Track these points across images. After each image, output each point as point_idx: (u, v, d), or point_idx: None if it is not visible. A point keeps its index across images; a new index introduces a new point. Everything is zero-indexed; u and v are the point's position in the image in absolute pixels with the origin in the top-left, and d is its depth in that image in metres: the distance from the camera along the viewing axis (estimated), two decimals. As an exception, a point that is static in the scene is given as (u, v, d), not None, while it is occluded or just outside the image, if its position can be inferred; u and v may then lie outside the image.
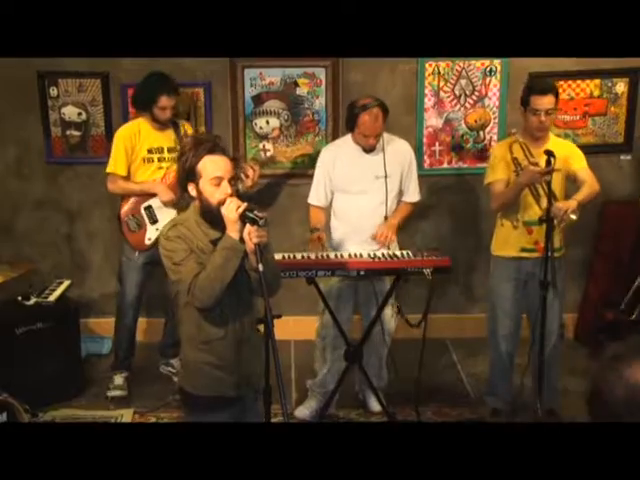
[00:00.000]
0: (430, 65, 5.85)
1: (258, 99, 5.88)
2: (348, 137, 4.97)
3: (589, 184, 4.73)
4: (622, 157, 6.03)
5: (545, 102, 4.62)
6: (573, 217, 4.47)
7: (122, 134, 5.19)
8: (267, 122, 5.93)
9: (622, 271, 5.88)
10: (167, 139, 5.22)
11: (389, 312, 5.10)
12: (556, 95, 4.68)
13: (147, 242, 5.20)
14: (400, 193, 5.05)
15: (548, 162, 4.43)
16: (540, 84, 4.90)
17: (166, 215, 5.08)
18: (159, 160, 5.21)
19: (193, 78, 5.76)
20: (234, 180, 3.45)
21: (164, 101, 5.05)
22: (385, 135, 4.95)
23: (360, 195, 4.96)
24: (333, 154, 5.02)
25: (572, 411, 5.12)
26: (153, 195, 5.18)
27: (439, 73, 5.88)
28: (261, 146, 5.95)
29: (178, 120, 5.31)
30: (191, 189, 3.39)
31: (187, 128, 5.34)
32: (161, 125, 5.19)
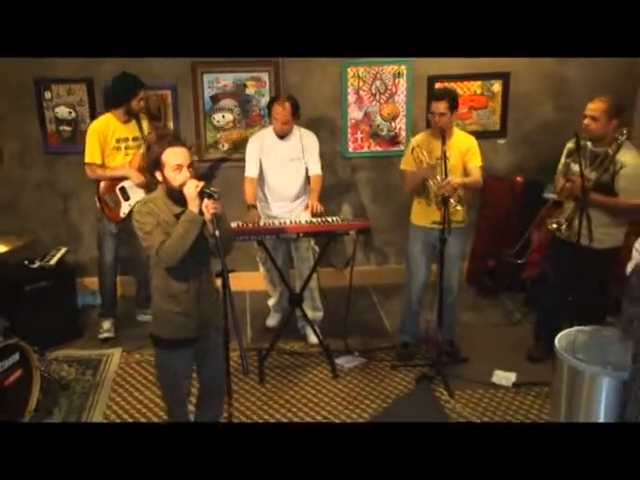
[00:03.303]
0: (352, 69, 5.82)
1: (215, 98, 5.81)
2: (270, 128, 5.06)
3: (476, 180, 4.78)
4: (498, 141, 6.08)
5: (439, 107, 4.62)
6: (460, 192, 4.53)
7: (95, 128, 5.07)
8: (223, 116, 5.86)
9: (499, 230, 5.94)
10: (131, 130, 5.12)
11: (310, 255, 5.19)
12: (450, 101, 4.62)
13: (122, 215, 5.12)
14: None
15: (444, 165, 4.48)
16: (436, 93, 4.93)
17: (136, 194, 5.06)
18: (126, 148, 5.12)
19: (161, 82, 5.63)
20: (192, 165, 3.43)
21: (141, 94, 5.04)
22: (298, 128, 5.04)
23: (279, 173, 5.06)
24: (259, 139, 5.11)
25: (465, 340, 5.20)
26: (125, 177, 5.10)
27: (359, 76, 5.85)
28: (218, 136, 5.88)
29: (139, 115, 5.22)
30: (157, 175, 3.41)
31: (146, 122, 5.27)
32: (125, 119, 5.10)
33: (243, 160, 5.12)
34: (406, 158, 4.86)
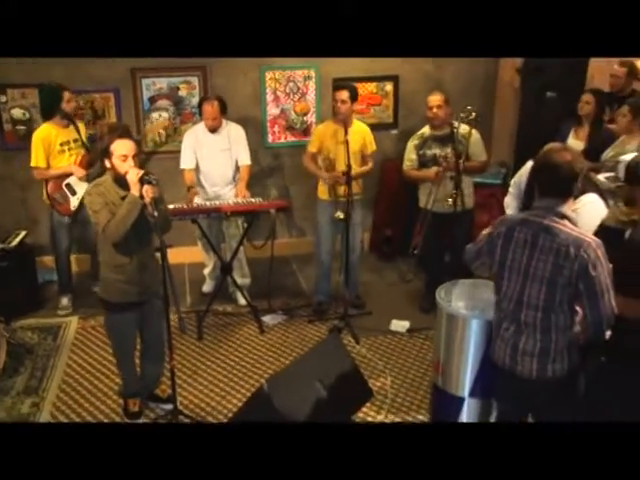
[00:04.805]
0: (269, 73, 5.79)
1: (152, 99, 5.68)
2: (202, 124, 5.00)
3: (368, 169, 4.93)
4: (392, 132, 6.13)
5: (342, 94, 4.65)
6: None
7: (38, 136, 4.85)
8: (160, 115, 5.73)
9: (394, 204, 6.03)
10: (71, 134, 4.93)
11: (239, 232, 5.16)
12: (351, 91, 4.67)
13: (72, 209, 4.96)
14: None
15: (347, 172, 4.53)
16: (339, 83, 4.94)
17: (82, 187, 4.83)
18: (69, 149, 4.93)
19: (105, 85, 5.47)
20: (137, 156, 3.43)
21: (67, 95, 4.81)
22: (227, 122, 4.99)
23: (212, 162, 5.00)
24: (193, 133, 5.04)
25: (368, 297, 5.30)
26: (69, 175, 4.91)
27: (275, 79, 5.83)
28: (156, 133, 5.75)
29: (75, 119, 5.01)
30: (106, 163, 3.40)
31: (81, 125, 5.07)
32: (65, 124, 4.89)
33: (179, 152, 5.06)
34: (312, 142, 4.91)
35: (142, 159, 4.93)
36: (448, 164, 4.61)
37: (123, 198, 3.35)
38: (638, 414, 2.57)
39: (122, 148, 3.34)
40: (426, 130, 4.79)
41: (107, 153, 3.36)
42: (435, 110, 4.64)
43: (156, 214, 3.26)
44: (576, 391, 2.85)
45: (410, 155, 4.85)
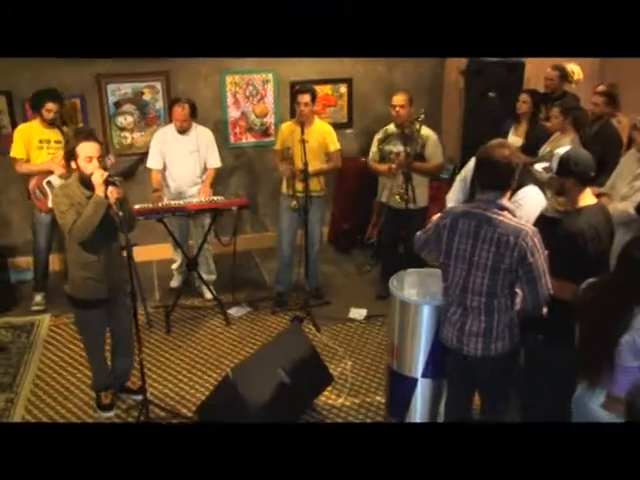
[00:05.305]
0: (229, 77, 5.75)
1: (118, 104, 5.59)
2: (172, 125, 4.92)
3: (335, 163, 4.89)
4: (347, 131, 6.11)
5: (304, 97, 4.65)
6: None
7: (20, 130, 4.87)
8: (125, 119, 5.64)
9: (351, 199, 6.03)
10: (53, 135, 4.85)
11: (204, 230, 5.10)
12: (312, 94, 4.67)
13: (49, 206, 4.81)
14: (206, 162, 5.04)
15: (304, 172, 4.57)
16: (302, 87, 4.89)
17: None
18: (48, 148, 4.85)
19: (71, 91, 5.33)
20: (102, 158, 3.41)
21: (49, 105, 4.75)
22: (196, 125, 4.94)
23: (180, 163, 4.92)
24: (162, 135, 4.96)
25: (328, 287, 5.31)
26: (50, 173, 4.81)
27: (235, 83, 5.78)
28: (122, 135, 5.67)
29: (61, 125, 4.94)
30: (72, 164, 3.36)
31: (66, 127, 5.00)
32: (48, 125, 4.82)
33: (145, 153, 5.00)
34: (278, 140, 4.91)
35: (111, 162, 4.85)
36: (399, 162, 4.64)
37: (89, 198, 3.31)
38: (569, 383, 2.67)
39: (87, 150, 3.30)
40: (391, 127, 4.81)
41: (73, 155, 3.32)
42: (398, 109, 4.66)
43: (121, 214, 3.24)
44: (516, 366, 2.93)
45: (373, 148, 4.91)
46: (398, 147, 4.70)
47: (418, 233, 3.03)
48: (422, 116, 4.60)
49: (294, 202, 4.74)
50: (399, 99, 4.68)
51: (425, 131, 4.68)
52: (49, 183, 4.83)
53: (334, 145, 4.86)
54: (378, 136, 4.88)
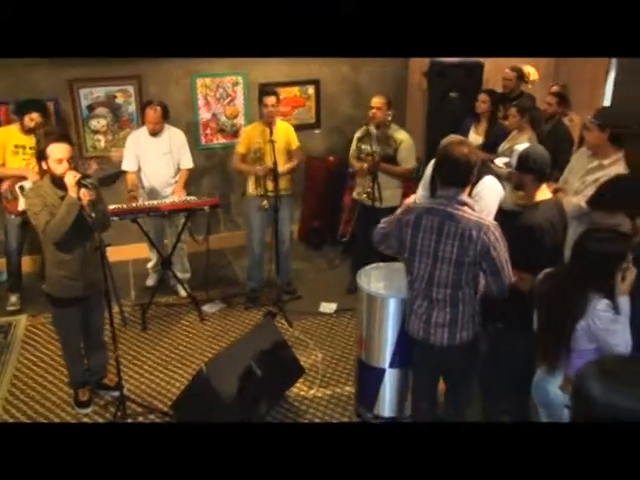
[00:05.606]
0: (200, 80, 5.67)
1: (91, 107, 5.47)
2: (145, 127, 4.85)
3: (299, 160, 4.87)
4: (315, 131, 6.11)
5: (271, 99, 4.62)
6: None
7: None
8: (98, 122, 5.53)
9: (320, 197, 6.01)
10: (29, 141, 4.73)
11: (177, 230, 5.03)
12: (277, 97, 4.64)
13: (19, 209, 4.74)
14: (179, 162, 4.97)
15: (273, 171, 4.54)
16: (267, 90, 4.85)
17: None
18: (23, 154, 4.75)
19: (45, 95, 5.16)
20: (73, 159, 3.31)
21: (34, 115, 4.68)
22: (168, 127, 4.88)
23: (154, 165, 4.86)
24: (136, 138, 4.88)
25: (299, 282, 5.28)
26: (24, 178, 4.71)
27: (206, 85, 5.71)
28: (95, 138, 5.55)
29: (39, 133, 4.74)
30: (43, 165, 3.28)
31: (39, 131, 4.80)
32: (26, 132, 4.73)
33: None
34: (241, 143, 4.82)
35: (93, 169, 4.82)
36: (369, 162, 4.62)
37: (62, 198, 3.23)
38: (528, 367, 2.70)
39: (58, 152, 3.22)
40: (372, 127, 4.78)
41: (43, 156, 3.24)
42: (374, 111, 4.65)
43: (93, 215, 3.18)
44: (479, 353, 2.95)
45: (352, 145, 4.91)
46: (370, 147, 4.69)
47: (378, 227, 3.01)
48: (390, 117, 4.61)
49: (265, 202, 4.70)
50: (377, 101, 4.66)
51: (400, 135, 4.66)
52: (21, 188, 4.71)
53: (295, 143, 4.86)
54: (357, 134, 4.88)
